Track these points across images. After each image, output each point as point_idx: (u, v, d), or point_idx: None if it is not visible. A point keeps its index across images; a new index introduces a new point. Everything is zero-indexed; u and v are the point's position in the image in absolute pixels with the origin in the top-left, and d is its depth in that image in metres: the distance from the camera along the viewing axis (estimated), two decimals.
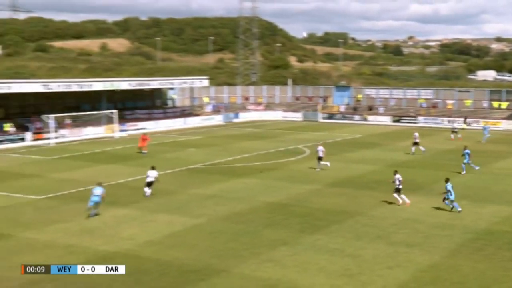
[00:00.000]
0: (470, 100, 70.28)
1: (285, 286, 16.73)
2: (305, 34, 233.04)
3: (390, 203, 26.89)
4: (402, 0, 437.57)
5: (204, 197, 28.30)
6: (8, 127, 49.83)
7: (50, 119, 48.78)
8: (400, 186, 26.58)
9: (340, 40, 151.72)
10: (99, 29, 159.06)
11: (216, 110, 74.01)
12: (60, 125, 51.08)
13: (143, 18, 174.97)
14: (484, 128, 51.98)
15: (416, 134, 43.57)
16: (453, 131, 52.68)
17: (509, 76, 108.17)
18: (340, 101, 78.62)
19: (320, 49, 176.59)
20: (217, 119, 69.32)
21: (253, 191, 29.89)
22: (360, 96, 77.27)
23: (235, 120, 71.11)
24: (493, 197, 28.38)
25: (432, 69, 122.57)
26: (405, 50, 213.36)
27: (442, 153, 43.55)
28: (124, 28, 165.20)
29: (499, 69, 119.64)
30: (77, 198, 27.63)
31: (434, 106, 71.17)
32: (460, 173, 33.90)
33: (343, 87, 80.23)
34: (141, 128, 58.61)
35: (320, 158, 35.86)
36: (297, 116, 74.24)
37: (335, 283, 16.95)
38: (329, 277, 17.49)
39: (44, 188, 30.11)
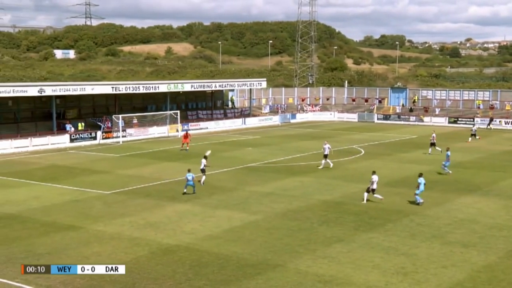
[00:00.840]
0: None
1: (339, 282, 16.52)
2: (362, 37, 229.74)
3: (445, 203, 26.07)
4: (460, 2, 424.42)
5: (261, 195, 28.33)
6: (81, 126, 51.71)
7: (119, 119, 50.27)
8: (374, 187, 25.99)
9: (396, 43, 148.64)
10: (164, 34, 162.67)
11: (274, 111, 74.08)
12: (127, 124, 52.56)
13: (206, 23, 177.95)
14: None
15: (434, 134, 42.56)
16: (472, 134, 49.76)
17: None
18: (396, 102, 77.02)
19: (377, 52, 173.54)
20: (274, 120, 69.30)
21: (309, 189, 29.72)
22: (416, 97, 75.40)
23: (292, 121, 70.88)
24: None
25: (490, 70, 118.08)
26: (463, 52, 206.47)
27: (498, 155, 41.86)
28: (188, 33, 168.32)
29: None
30: (143, 194, 28.30)
31: (492, 107, 68.47)
32: None
33: (399, 89, 78.53)
34: (203, 128, 59.52)
35: (325, 156, 35.58)
36: (353, 117, 73.28)
37: (390, 281, 16.58)
38: (383, 274, 17.14)
39: (112, 183, 31.02)
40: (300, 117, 73.27)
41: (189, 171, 28.08)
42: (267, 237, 21.01)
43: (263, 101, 77.37)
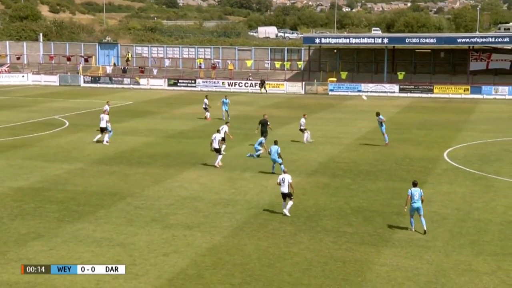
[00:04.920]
0: (251, 60, 74.56)
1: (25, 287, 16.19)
2: None
3: (166, 180, 27.51)
4: None
5: None
6: None
7: None
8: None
9: None
10: None
11: None
12: None
13: None
14: None
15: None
16: (205, 108, 46.17)
17: (291, 33, 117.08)
18: (106, 61, 77.35)
19: None
20: None
21: None
22: (129, 55, 76.89)
23: None
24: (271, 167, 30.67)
25: (210, 24, 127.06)
26: (181, 2, 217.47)
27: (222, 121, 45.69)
28: None
29: (280, 25, 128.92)
30: None
31: (214, 66, 74.02)
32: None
33: (109, 44, 78.99)
34: None
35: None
36: (53, 80, 71.31)
37: (102, 278, 16.84)
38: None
39: None
40: None
41: None
42: None
43: None
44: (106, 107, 39.34)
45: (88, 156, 32.32)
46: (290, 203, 22.55)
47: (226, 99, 45.55)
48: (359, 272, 17.54)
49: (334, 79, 67.25)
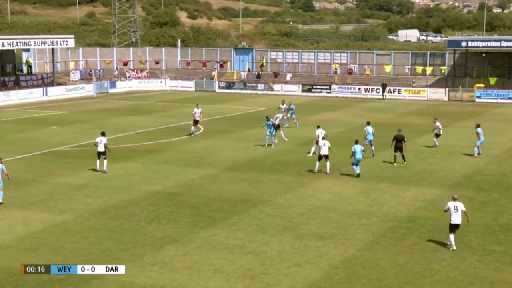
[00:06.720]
0: (390, 65, 73.29)
1: None
2: None
3: (299, 188, 27.66)
4: None
5: (72, 188, 27.69)
6: None
7: None
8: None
9: None
10: None
11: (86, 78, 72.07)
12: None
13: None
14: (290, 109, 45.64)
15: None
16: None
17: (434, 36, 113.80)
18: (240, 66, 79.19)
19: (216, 3, 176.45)
20: (87, 90, 67.61)
21: (134, 178, 29.60)
22: (264, 60, 78.25)
23: (111, 91, 69.79)
24: (415, 178, 29.94)
25: (347, 27, 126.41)
26: (317, 6, 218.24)
27: (358, 128, 45.22)
28: None
29: (423, 28, 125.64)
30: None
31: (350, 72, 73.59)
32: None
33: (244, 50, 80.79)
34: None
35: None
36: (189, 85, 73.98)
37: (234, 286, 17.22)
38: (226, 279, 17.75)
39: None
40: (122, 86, 72.38)
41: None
42: (79, 243, 20.61)
43: (71, 65, 74.85)
44: (196, 110, 40.89)
45: (221, 162, 33.20)
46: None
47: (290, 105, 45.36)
48: None
49: (482, 85, 64.56)
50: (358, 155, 29.38)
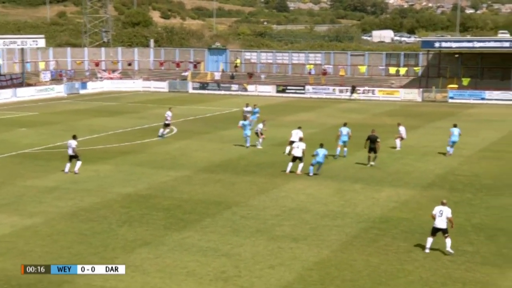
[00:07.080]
0: (365, 66, 73.76)
1: None
2: None
3: (273, 189, 27.72)
4: None
5: (42, 190, 27.47)
6: None
7: None
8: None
9: None
10: None
11: (56, 79, 71.51)
12: None
13: None
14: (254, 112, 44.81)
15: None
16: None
17: (408, 37, 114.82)
18: (214, 67, 79.13)
19: (190, 3, 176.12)
20: (58, 90, 67.14)
21: (106, 180, 29.45)
22: (238, 60, 78.29)
23: (82, 92, 69.37)
24: (389, 178, 30.16)
25: (322, 28, 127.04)
26: (291, 6, 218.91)
27: (332, 128, 45.47)
28: None
29: (397, 29, 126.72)
30: None
31: (324, 72, 73.86)
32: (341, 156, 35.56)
33: (218, 50, 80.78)
34: None
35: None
36: (162, 86, 73.78)
37: None
38: (199, 282, 17.73)
39: None
40: (93, 87, 72.00)
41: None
42: (49, 246, 20.45)
43: (41, 65, 74.16)
44: (168, 113, 40.93)
45: (195, 164, 33.15)
46: (448, 242, 19.79)
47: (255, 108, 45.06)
48: None
49: (455, 85, 65.30)
50: (319, 158, 29.70)
